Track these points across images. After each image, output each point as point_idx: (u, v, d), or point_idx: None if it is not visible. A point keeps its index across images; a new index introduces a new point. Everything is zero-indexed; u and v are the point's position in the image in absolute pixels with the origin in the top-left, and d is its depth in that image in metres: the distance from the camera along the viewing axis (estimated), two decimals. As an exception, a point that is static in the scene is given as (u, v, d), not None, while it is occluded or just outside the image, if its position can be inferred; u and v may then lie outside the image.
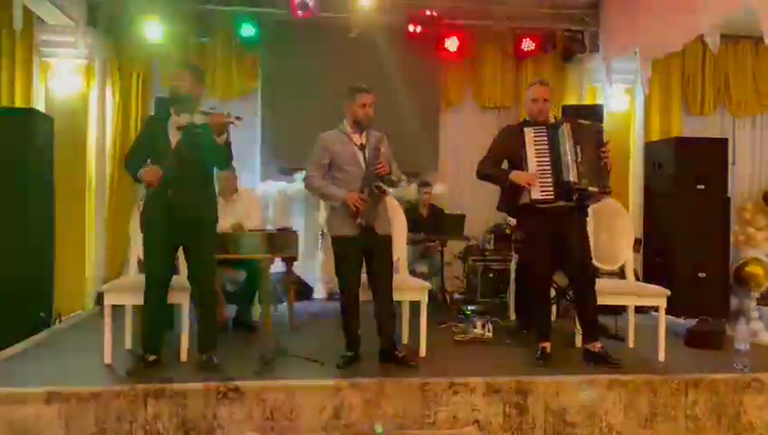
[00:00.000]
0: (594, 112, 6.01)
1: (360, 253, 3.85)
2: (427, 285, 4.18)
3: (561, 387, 3.56)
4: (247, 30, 6.32)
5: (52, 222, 5.71)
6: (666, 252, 6.66)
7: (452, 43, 6.73)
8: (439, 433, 3.40)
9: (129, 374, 3.49)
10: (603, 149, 3.92)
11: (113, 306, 3.82)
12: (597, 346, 3.99)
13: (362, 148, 3.85)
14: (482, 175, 4.13)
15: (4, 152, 5.18)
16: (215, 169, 3.91)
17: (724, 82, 7.36)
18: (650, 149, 6.94)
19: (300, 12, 6.11)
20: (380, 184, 3.83)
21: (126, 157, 3.72)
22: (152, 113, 5.79)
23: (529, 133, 3.94)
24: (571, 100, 7.06)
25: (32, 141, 5.31)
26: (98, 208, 6.20)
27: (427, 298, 4.15)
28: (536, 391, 3.53)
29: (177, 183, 3.54)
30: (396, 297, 4.01)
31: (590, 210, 4.19)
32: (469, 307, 5.73)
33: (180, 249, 3.77)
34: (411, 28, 6.55)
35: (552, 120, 4.05)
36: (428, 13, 6.40)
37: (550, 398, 3.55)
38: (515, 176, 3.93)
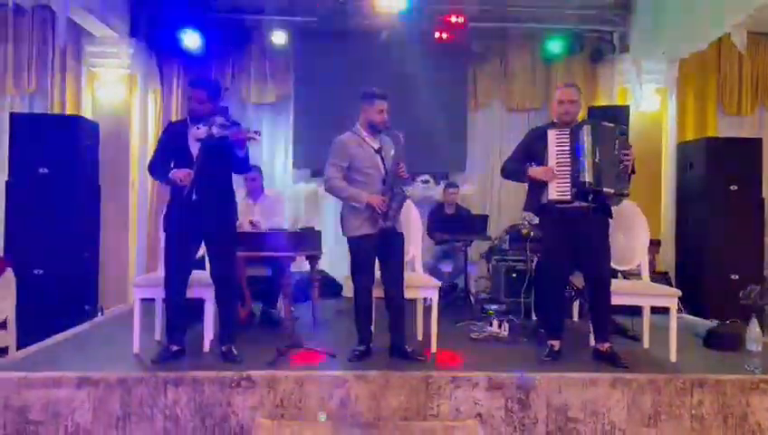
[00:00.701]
0: (620, 113, 6.00)
1: (375, 251, 4.01)
2: (437, 282, 4.32)
3: (563, 384, 3.64)
4: (279, 37, 6.58)
5: (98, 221, 6.13)
6: (698, 253, 6.59)
7: (477, 46, 6.82)
8: (441, 424, 3.53)
9: (153, 363, 3.75)
10: (625, 151, 3.94)
11: (143, 300, 4.13)
12: (606, 346, 4.04)
13: (379, 151, 4.01)
14: (505, 172, 4.23)
15: (53, 156, 5.62)
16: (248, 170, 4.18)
17: (762, 81, 7.20)
18: (682, 149, 6.87)
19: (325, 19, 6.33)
20: (402, 187, 3.99)
21: (150, 164, 3.98)
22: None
23: (552, 134, 4.01)
24: (602, 101, 7.05)
25: (79, 146, 5.73)
26: (140, 208, 6.59)
27: (437, 296, 4.28)
28: (538, 387, 3.62)
29: (199, 188, 3.76)
30: (409, 294, 4.16)
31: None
32: (491, 307, 5.81)
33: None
34: (437, 35, 6.66)
35: (578, 122, 4.11)
36: (454, 19, 6.48)
37: (552, 394, 3.63)
38: (533, 171, 4.01)
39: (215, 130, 3.72)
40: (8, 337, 5.06)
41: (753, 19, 5.08)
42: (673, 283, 6.52)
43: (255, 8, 6.57)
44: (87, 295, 5.79)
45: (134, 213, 6.49)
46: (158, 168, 3.90)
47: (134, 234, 6.50)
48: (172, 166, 3.84)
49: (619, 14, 6.80)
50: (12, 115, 5.81)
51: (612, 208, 4.20)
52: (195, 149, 3.78)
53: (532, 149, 4.11)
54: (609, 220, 4.11)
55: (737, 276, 6.40)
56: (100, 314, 5.64)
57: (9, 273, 5.16)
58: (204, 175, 3.73)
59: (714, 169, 6.43)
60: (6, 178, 5.72)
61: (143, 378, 3.50)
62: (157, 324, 4.45)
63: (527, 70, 7.21)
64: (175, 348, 3.91)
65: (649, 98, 6.74)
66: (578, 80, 7.01)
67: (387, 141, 4.05)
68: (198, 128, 3.75)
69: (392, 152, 4.01)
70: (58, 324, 4.91)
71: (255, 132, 3.76)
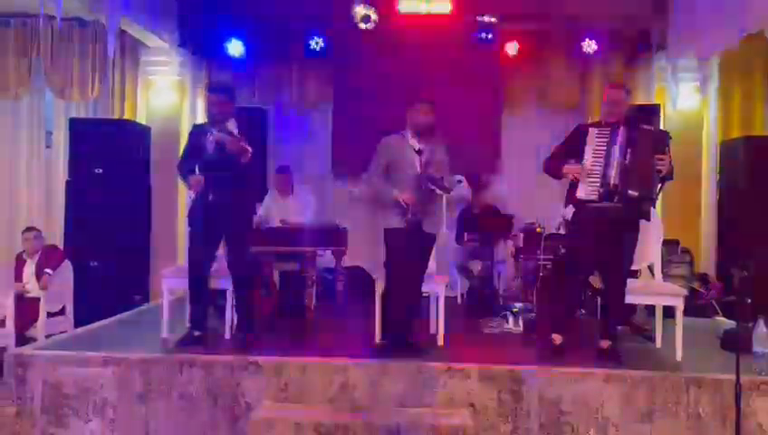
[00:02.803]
0: (650, 112, 5.95)
1: (407, 245, 4.16)
2: (445, 278, 4.50)
3: (555, 378, 3.74)
4: (318, 43, 6.89)
5: (149, 217, 6.64)
6: (740, 252, 6.40)
7: (512, 47, 6.89)
8: (433, 412, 3.70)
9: (175, 346, 4.13)
10: (660, 156, 3.90)
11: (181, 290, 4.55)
12: (606, 343, 4.10)
13: (419, 152, 4.21)
14: (545, 167, 4.29)
15: (108, 157, 6.16)
16: (267, 170, 4.49)
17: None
18: (724, 147, 6.69)
19: (364, 25, 6.57)
20: (432, 186, 4.19)
21: (178, 163, 4.37)
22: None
23: (592, 133, 4.06)
24: (640, 100, 6.95)
25: (130, 148, 6.26)
26: (186, 206, 7.03)
27: (444, 291, 4.46)
28: (529, 380, 3.73)
29: (215, 188, 4.11)
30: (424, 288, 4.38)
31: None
32: (517, 304, 5.89)
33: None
34: (473, 35, 6.79)
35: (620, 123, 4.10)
36: (487, 19, 6.59)
37: (544, 387, 3.74)
38: (566, 168, 4.09)
39: (223, 135, 4.04)
40: (66, 323, 5.62)
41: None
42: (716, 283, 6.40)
43: (296, 15, 6.88)
44: (137, 286, 6.30)
45: (181, 210, 6.95)
46: (183, 167, 4.28)
47: (181, 230, 6.97)
48: (196, 168, 4.18)
49: (656, 12, 6.70)
50: (70, 120, 6.40)
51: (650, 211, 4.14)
52: (212, 149, 4.13)
53: (574, 145, 4.15)
54: (642, 222, 4.08)
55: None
56: (147, 303, 6.13)
57: (68, 264, 5.73)
58: (218, 176, 4.06)
59: (755, 167, 6.24)
60: (67, 178, 6.31)
61: (161, 359, 3.87)
62: (187, 313, 4.84)
63: (563, 69, 7.20)
64: (197, 333, 4.26)
65: (687, 96, 6.61)
66: (614, 79, 6.95)
67: (435, 145, 4.24)
68: (212, 133, 4.08)
69: (436, 156, 4.21)
70: (109, 312, 5.39)
71: (245, 146, 4.05)
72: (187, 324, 4.72)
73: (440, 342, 4.40)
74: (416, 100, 4.21)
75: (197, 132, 4.31)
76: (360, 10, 6.53)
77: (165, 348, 4.19)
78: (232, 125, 4.09)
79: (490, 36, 6.72)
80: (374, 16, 6.57)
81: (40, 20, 6.52)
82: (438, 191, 4.19)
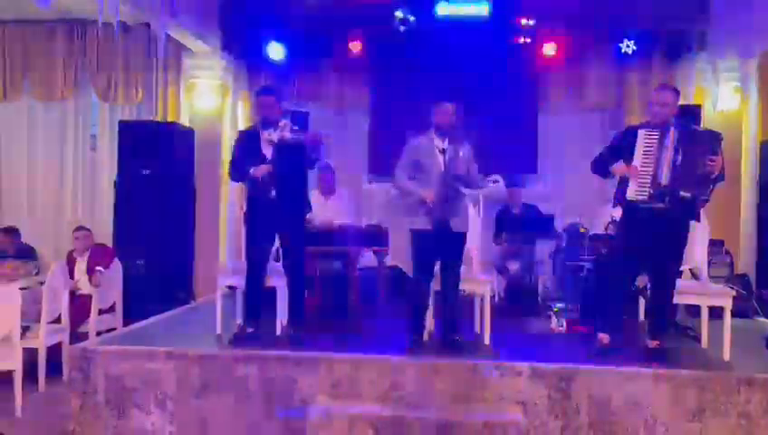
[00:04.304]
0: (692, 113, 5.95)
1: (434, 245, 4.28)
2: (490, 279, 4.56)
3: (604, 377, 3.79)
4: (356, 46, 7.00)
5: (193, 217, 6.81)
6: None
7: (551, 48, 6.93)
8: (485, 408, 3.77)
9: (229, 342, 4.26)
10: (711, 157, 3.92)
11: (228, 287, 4.67)
12: (654, 343, 4.14)
13: (443, 152, 4.31)
14: (593, 167, 4.35)
15: (154, 159, 6.32)
16: (310, 170, 4.62)
17: None
18: (764, 149, 6.66)
19: (402, 27, 6.67)
20: (457, 184, 4.28)
21: (229, 170, 4.52)
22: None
23: (641, 134, 4.08)
24: (681, 100, 6.93)
25: (175, 149, 6.42)
26: (230, 205, 7.21)
27: (489, 291, 4.53)
28: (578, 379, 3.79)
29: (276, 185, 4.24)
30: (464, 287, 4.47)
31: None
32: (557, 304, 5.93)
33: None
34: (512, 39, 6.85)
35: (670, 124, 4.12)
36: (525, 22, 6.64)
37: (593, 386, 3.79)
38: (615, 167, 4.13)
39: (287, 134, 4.17)
40: (115, 320, 5.79)
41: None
42: (753, 285, 6.37)
43: (334, 19, 7.00)
44: (182, 284, 6.46)
45: (224, 210, 7.11)
46: (235, 171, 4.42)
47: (224, 229, 7.13)
48: (249, 169, 4.31)
49: (697, 13, 6.69)
50: (120, 123, 6.59)
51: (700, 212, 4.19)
52: (268, 151, 4.25)
53: (623, 146, 4.18)
54: (693, 223, 4.14)
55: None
56: (192, 301, 6.28)
57: (117, 262, 5.90)
58: (279, 175, 4.18)
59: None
60: (115, 179, 6.50)
61: (218, 354, 4.00)
62: (238, 309, 4.96)
63: (600, 70, 7.22)
64: (250, 330, 4.38)
65: (727, 97, 6.59)
66: (654, 80, 6.96)
67: (459, 145, 4.33)
68: (270, 133, 4.20)
69: (461, 154, 4.29)
70: (156, 309, 5.54)
71: (324, 135, 4.20)
72: (239, 321, 4.87)
73: (486, 341, 4.47)
74: (440, 102, 4.31)
75: (247, 138, 4.44)
76: (399, 14, 6.63)
77: (220, 344, 4.31)
78: (285, 125, 4.20)
79: (528, 40, 6.79)
80: (413, 19, 6.66)
81: (87, 25, 6.74)
82: (464, 190, 4.27)
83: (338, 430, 3.59)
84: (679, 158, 3.93)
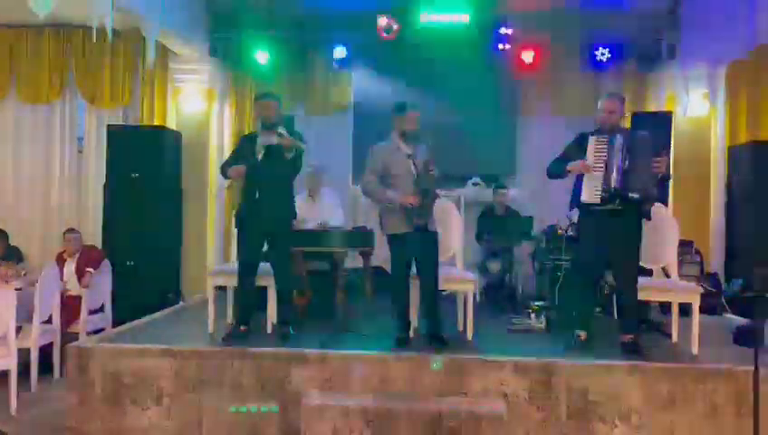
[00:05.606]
0: (662, 119, 6.22)
1: (412, 248, 4.45)
2: (472, 278, 4.76)
3: (582, 370, 4.01)
4: (340, 52, 7.17)
5: (180, 219, 6.92)
6: (747, 255, 6.67)
7: (528, 55, 7.18)
8: (469, 400, 3.96)
9: (223, 340, 4.39)
10: (657, 160, 4.18)
11: (217, 287, 4.80)
12: (628, 337, 4.37)
13: (411, 156, 4.48)
14: (548, 172, 4.57)
15: (143, 162, 6.42)
16: (300, 172, 4.78)
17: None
18: (731, 153, 6.97)
19: (385, 34, 6.85)
20: (433, 186, 4.47)
21: (222, 165, 4.68)
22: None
23: (591, 140, 4.35)
24: (652, 107, 7.26)
25: (164, 153, 6.52)
26: (218, 208, 7.34)
27: (473, 289, 4.73)
28: (558, 372, 4.01)
29: (263, 188, 4.41)
30: (447, 287, 4.66)
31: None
32: (536, 303, 6.16)
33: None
34: (494, 47, 7.08)
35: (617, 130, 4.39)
36: (503, 30, 6.88)
37: (572, 379, 4.01)
38: (571, 166, 4.36)
39: (274, 139, 4.34)
40: (105, 320, 5.89)
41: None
42: (722, 284, 6.67)
43: (318, 25, 7.16)
44: (171, 285, 6.57)
45: (212, 212, 7.24)
46: (222, 169, 4.62)
47: (212, 231, 7.25)
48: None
49: (667, 22, 6.99)
50: (108, 127, 6.67)
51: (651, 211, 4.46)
52: (260, 153, 4.42)
53: (575, 152, 4.43)
54: (644, 221, 4.37)
55: (786, 278, 6.47)
56: (181, 301, 6.39)
57: (107, 263, 5.99)
58: (266, 177, 4.35)
59: (760, 172, 6.51)
60: (104, 182, 6.58)
61: (214, 352, 4.14)
62: (228, 309, 5.09)
63: (576, 77, 7.49)
64: (242, 328, 4.52)
65: (697, 103, 6.89)
66: (627, 87, 7.26)
67: (420, 147, 4.52)
68: (265, 137, 4.38)
69: (424, 156, 4.48)
70: (145, 310, 5.64)
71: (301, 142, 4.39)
72: (229, 320, 5.01)
73: (470, 337, 4.66)
74: (405, 108, 4.47)
75: (246, 142, 4.61)
76: (382, 21, 6.82)
77: (214, 342, 4.45)
78: (281, 128, 4.37)
79: (507, 46, 7.03)
80: (395, 27, 6.86)
81: (74, 29, 6.80)
82: (438, 191, 4.47)
83: (331, 422, 3.75)
84: (627, 162, 4.19)
